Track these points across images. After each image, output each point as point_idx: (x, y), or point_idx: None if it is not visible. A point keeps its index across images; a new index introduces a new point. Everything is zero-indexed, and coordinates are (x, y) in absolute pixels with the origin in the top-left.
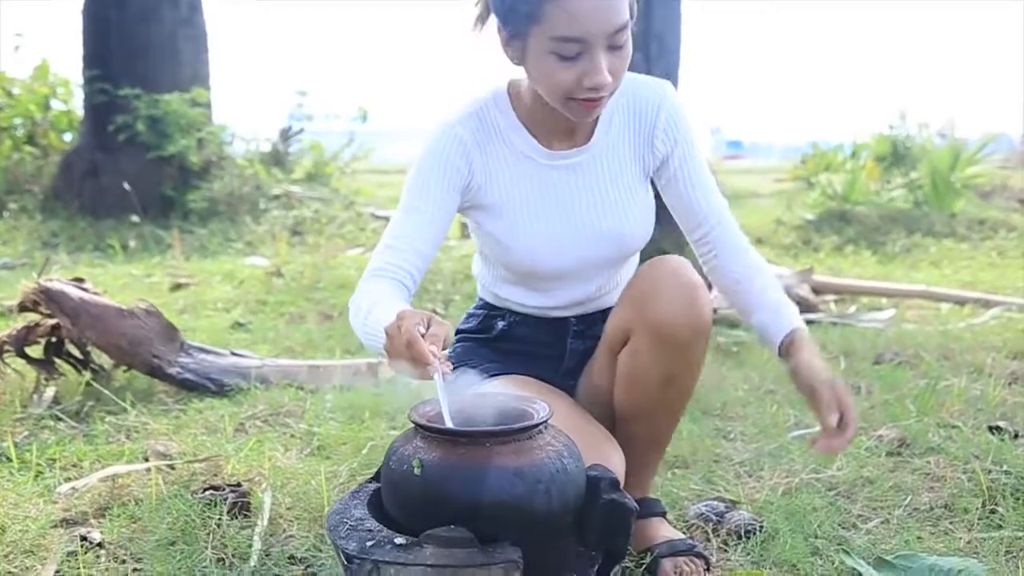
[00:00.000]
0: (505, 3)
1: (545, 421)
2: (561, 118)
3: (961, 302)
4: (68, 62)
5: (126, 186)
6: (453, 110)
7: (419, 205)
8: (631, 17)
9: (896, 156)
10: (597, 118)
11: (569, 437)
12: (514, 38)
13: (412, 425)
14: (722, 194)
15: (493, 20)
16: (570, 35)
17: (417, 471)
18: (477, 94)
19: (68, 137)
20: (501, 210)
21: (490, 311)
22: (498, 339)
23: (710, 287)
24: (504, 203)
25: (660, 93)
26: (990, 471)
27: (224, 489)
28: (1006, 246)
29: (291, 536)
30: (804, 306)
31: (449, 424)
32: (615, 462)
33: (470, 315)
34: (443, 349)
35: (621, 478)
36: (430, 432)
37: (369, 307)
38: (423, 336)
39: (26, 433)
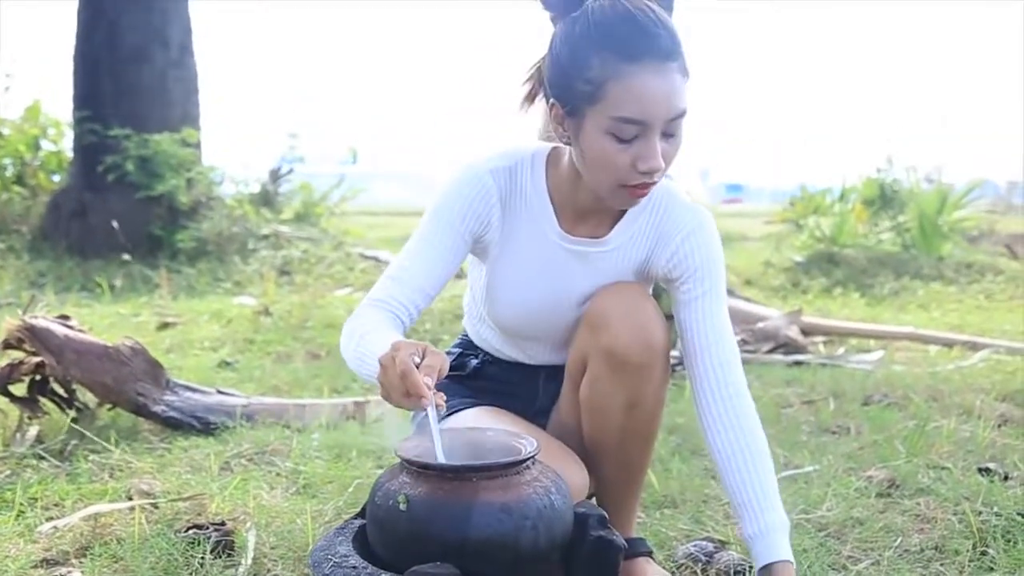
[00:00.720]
0: (564, 81)
1: (533, 456)
2: (587, 205)
3: (949, 344)
4: (59, 103)
5: (115, 224)
6: (489, 155)
7: (432, 242)
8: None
9: (884, 200)
10: (623, 213)
11: (557, 473)
12: (570, 116)
13: (398, 461)
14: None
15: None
16: (632, 117)
17: (403, 507)
18: (518, 146)
19: (57, 178)
20: (502, 267)
21: (466, 349)
22: (471, 377)
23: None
24: (507, 262)
25: (694, 223)
26: (980, 513)
27: (208, 528)
28: (993, 289)
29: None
30: (793, 347)
31: (442, 458)
32: (577, 480)
33: (448, 352)
34: (441, 371)
35: (581, 497)
36: (416, 467)
37: (363, 333)
38: (417, 367)
39: (8, 472)
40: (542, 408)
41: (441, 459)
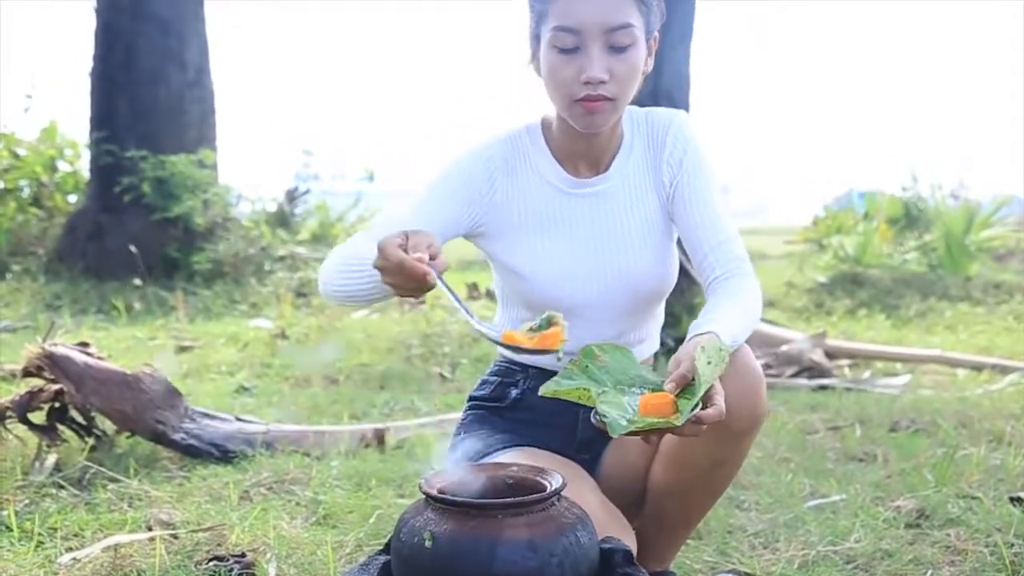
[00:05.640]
0: (529, 12)
1: (558, 492)
2: (583, 148)
3: (978, 368)
4: (76, 124)
5: (133, 249)
6: (488, 137)
7: (434, 205)
8: (650, 28)
9: (909, 218)
10: (619, 146)
11: (583, 509)
12: (534, 46)
13: (422, 495)
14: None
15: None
16: (565, 25)
17: (428, 544)
18: (512, 125)
19: (73, 199)
20: (523, 235)
21: (504, 377)
22: (511, 408)
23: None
24: (525, 228)
25: (670, 117)
26: (1012, 544)
27: (228, 560)
28: (1022, 310)
29: None
30: (817, 371)
31: (473, 320)
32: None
33: (484, 381)
34: (431, 247)
35: None
36: (441, 503)
37: (350, 253)
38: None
39: (27, 501)
40: (583, 440)
41: (472, 320)
